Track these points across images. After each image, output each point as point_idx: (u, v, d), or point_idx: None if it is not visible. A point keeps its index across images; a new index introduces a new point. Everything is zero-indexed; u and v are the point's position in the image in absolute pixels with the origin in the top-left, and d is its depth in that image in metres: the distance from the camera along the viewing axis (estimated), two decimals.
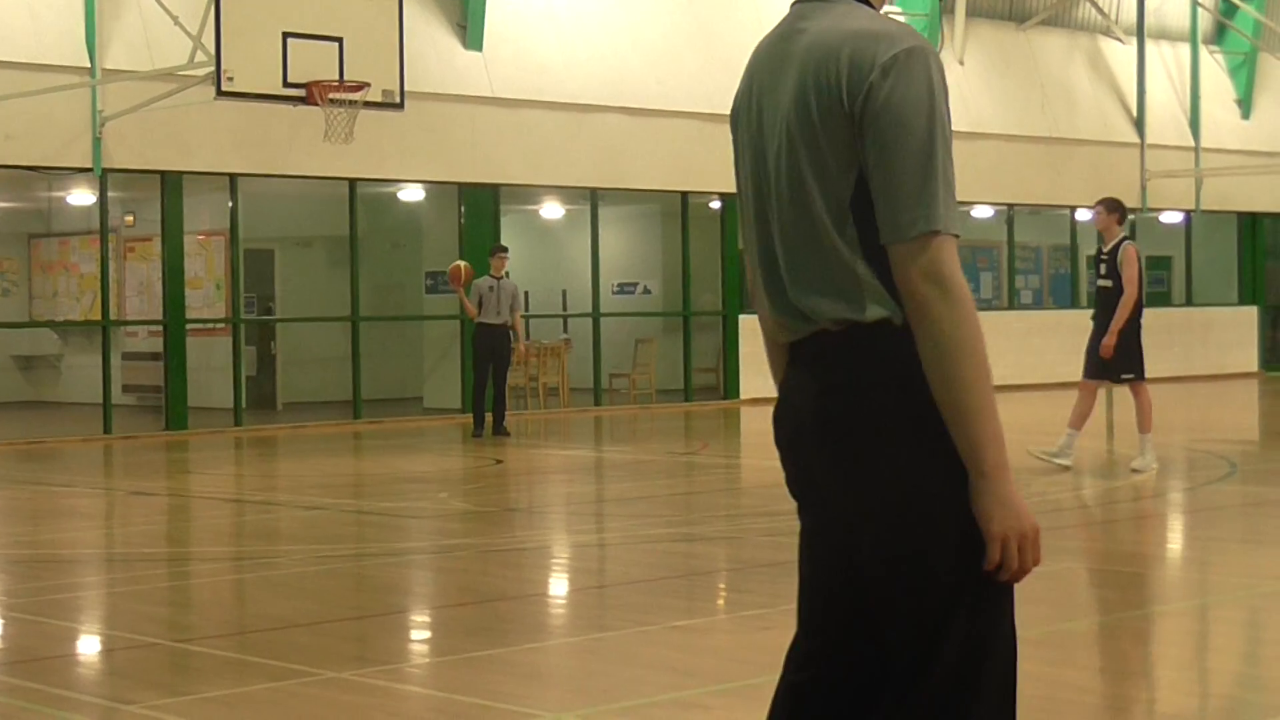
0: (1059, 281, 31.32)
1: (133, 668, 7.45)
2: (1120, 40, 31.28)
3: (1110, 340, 14.50)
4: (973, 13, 29.03)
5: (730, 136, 3.41)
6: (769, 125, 3.21)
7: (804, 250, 3.19)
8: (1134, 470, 14.73)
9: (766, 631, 7.88)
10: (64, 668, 7.52)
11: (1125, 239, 14.69)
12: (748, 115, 3.28)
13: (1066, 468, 14.81)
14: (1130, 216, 21.79)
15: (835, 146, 3.07)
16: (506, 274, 20.43)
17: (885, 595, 3.09)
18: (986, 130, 28.63)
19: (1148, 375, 14.86)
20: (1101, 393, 15.08)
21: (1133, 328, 14.60)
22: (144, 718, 6.25)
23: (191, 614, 9.10)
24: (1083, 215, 30.23)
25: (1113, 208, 14.79)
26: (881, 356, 3.11)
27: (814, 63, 3.11)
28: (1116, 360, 14.59)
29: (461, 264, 20.36)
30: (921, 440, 3.06)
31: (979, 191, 28.96)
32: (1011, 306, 30.06)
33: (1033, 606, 8.59)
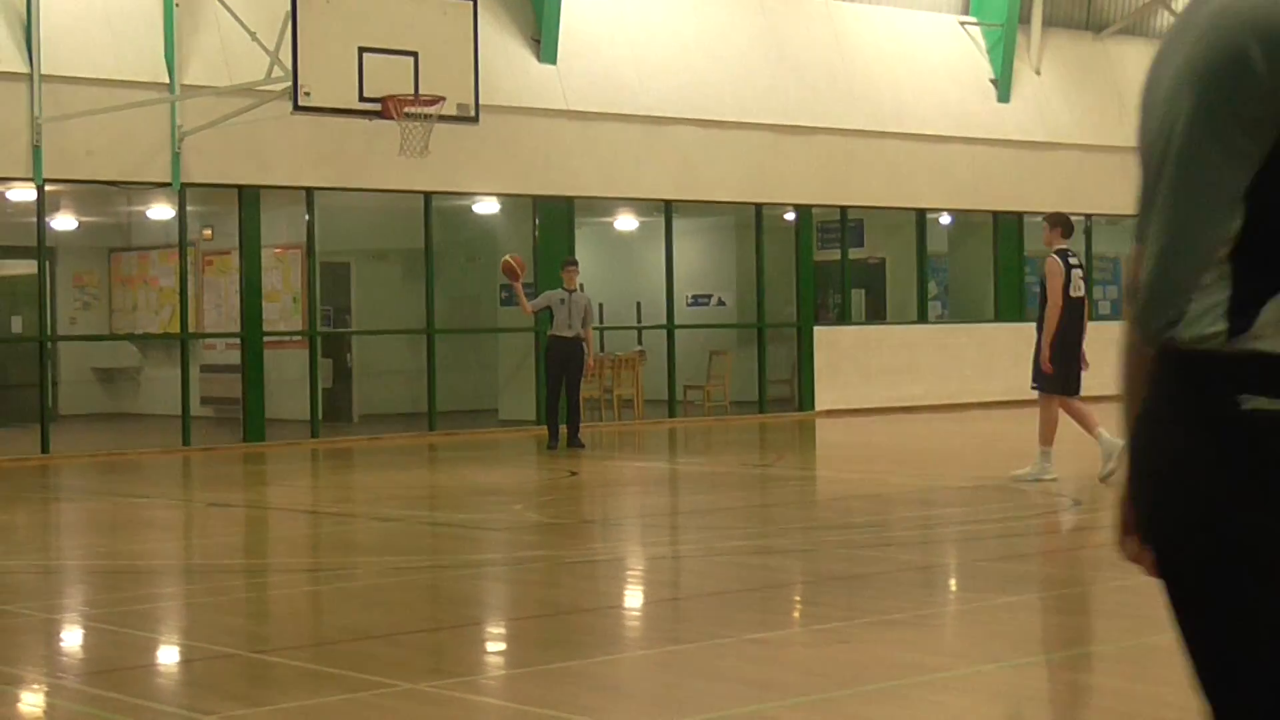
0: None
1: (211, 678, 7.49)
2: None
3: (1045, 353, 14.74)
4: (1049, 23, 28.86)
5: None
6: (1161, 101, 2.81)
7: (1179, 243, 2.73)
8: (1015, 477, 14.93)
9: (842, 645, 7.84)
10: (143, 678, 7.58)
11: (1056, 251, 14.90)
12: (1147, 92, 2.89)
13: (1055, 479, 14.86)
14: None
15: (1235, 129, 2.60)
16: (581, 287, 20.45)
17: None
18: (1064, 140, 28.44)
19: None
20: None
21: (1062, 340, 14.76)
22: None
23: (269, 625, 9.15)
24: None
25: (1054, 222, 15.12)
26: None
27: (1222, 30, 2.64)
28: (1036, 371, 14.93)
29: (509, 258, 20.30)
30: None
31: (1056, 202, 28.72)
32: (1091, 318, 29.76)
33: (1113, 621, 8.52)
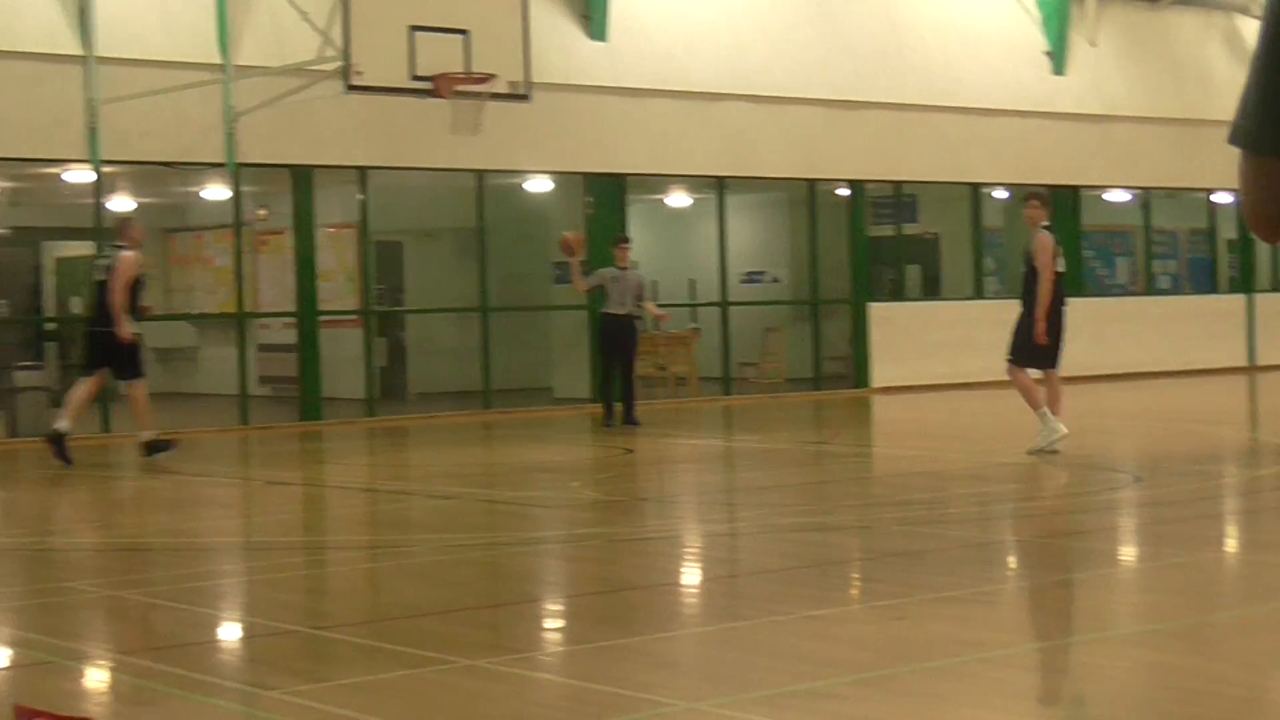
0: (1197, 266, 30.82)
1: (272, 654, 7.53)
2: (1258, 18, 30.73)
3: (1040, 327, 15.07)
4: None
5: None
6: None
7: None
8: (1031, 451, 15.00)
9: (900, 622, 7.82)
10: (205, 653, 7.63)
11: (1044, 227, 15.31)
12: None
13: (1064, 437, 14.98)
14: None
15: None
16: (635, 264, 20.44)
17: None
18: (1121, 113, 28.22)
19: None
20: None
21: (1053, 314, 15.12)
22: (283, 703, 6.32)
23: (328, 601, 9.19)
24: (1221, 198, 29.75)
25: (1044, 200, 15.69)
26: None
27: None
28: (1014, 344, 15.30)
29: (567, 234, 20.35)
30: None
31: (1113, 175, 28.58)
32: (1149, 292, 29.63)
33: (1172, 597, 8.46)
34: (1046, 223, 15.51)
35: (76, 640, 7.99)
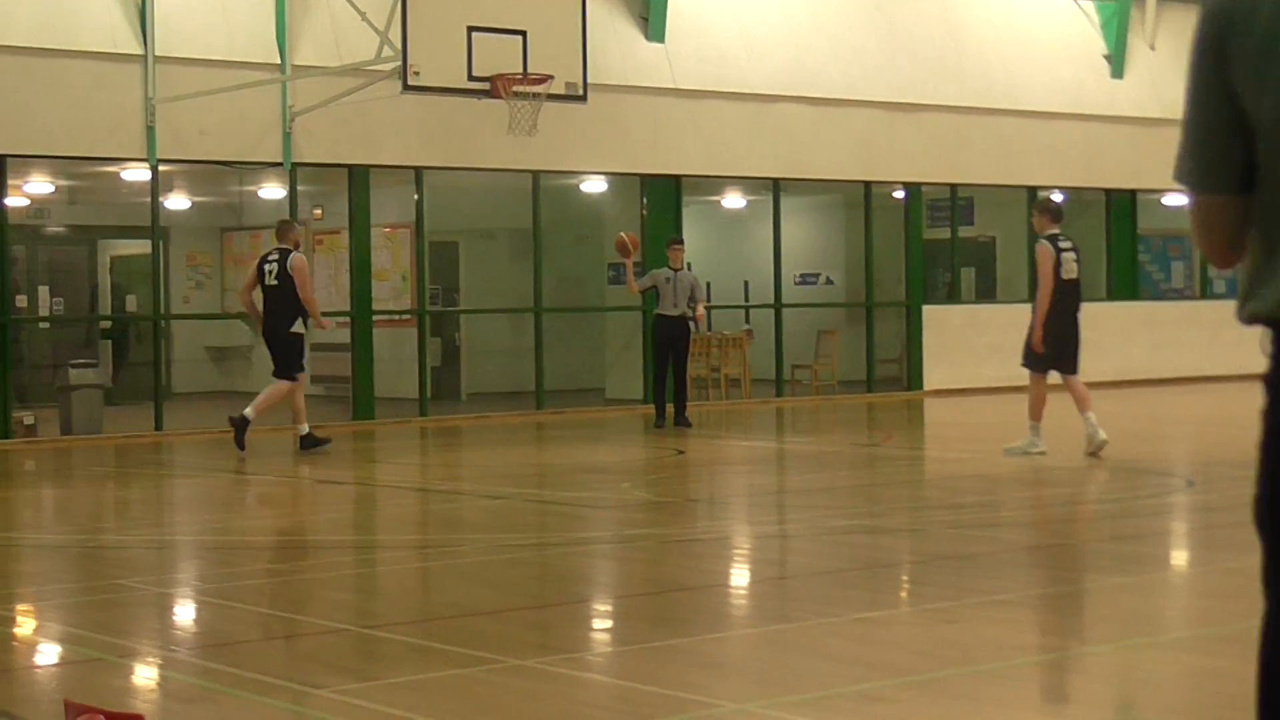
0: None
1: (322, 652, 7.56)
2: None
3: (1037, 335, 15.43)
4: None
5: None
6: None
7: None
8: (1007, 451, 15.56)
9: (950, 625, 7.79)
10: (255, 652, 7.66)
11: (1046, 236, 15.68)
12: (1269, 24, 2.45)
13: (1043, 453, 15.44)
14: None
15: None
16: (688, 265, 20.42)
17: None
18: (1178, 116, 27.83)
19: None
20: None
21: (1052, 320, 15.40)
22: (333, 702, 6.34)
23: (378, 601, 9.22)
24: None
25: (1045, 209, 16.06)
26: None
27: None
28: (1026, 350, 15.64)
29: (624, 235, 20.36)
30: None
31: (1171, 179, 28.34)
32: (1204, 296, 29.43)
33: (1224, 602, 8.40)
34: (1054, 231, 15.82)
35: (127, 637, 8.04)
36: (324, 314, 24.72)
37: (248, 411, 17.32)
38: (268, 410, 17.60)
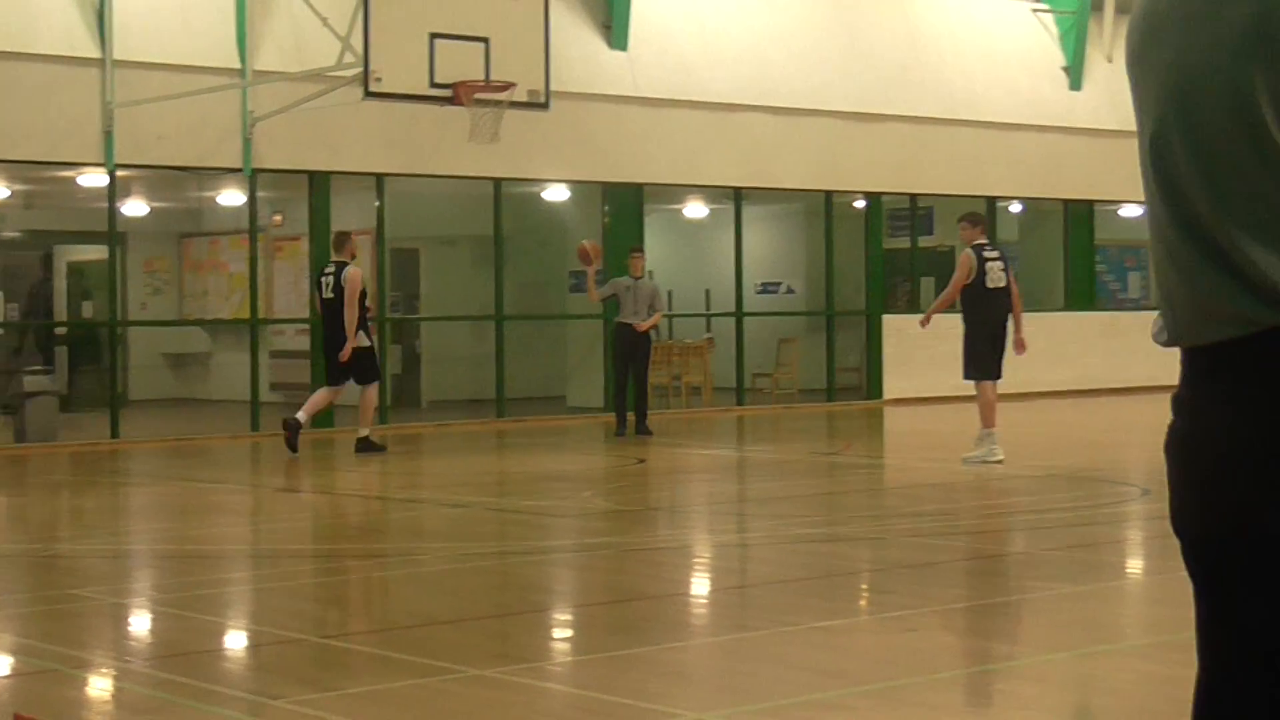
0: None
1: (279, 662, 7.52)
2: None
3: (924, 316, 16.55)
4: (1122, 9, 28.58)
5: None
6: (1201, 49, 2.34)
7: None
8: (965, 460, 15.73)
9: (909, 633, 7.80)
10: (212, 662, 7.62)
11: (973, 246, 16.11)
12: (1157, 40, 2.41)
13: (1001, 460, 15.66)
14: None
15: None
16: (650, 274, 20.42)
17: None
18: (1135, 128, 28.13)
19: None
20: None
21: (974, 330, 16.03)
22: (291, 712, 6.31)
23: (337, 610, 9.18)
24: None
25: (974, 221, 16.48)
26: None
27: None
28: (968, 364, 16.20)
29: (586, 243, 20.34)
30: None
31: (1128, 190, 28.50)
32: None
33: (1179, 610, 8.43)
34: (981, 241, 16.21)
35: (81, 648, 7.99)
36: (284, 321, 24.73)
37: (363, 431, 18.18)
38: (368, 417, 18.32)
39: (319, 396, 18.27)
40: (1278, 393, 2.29)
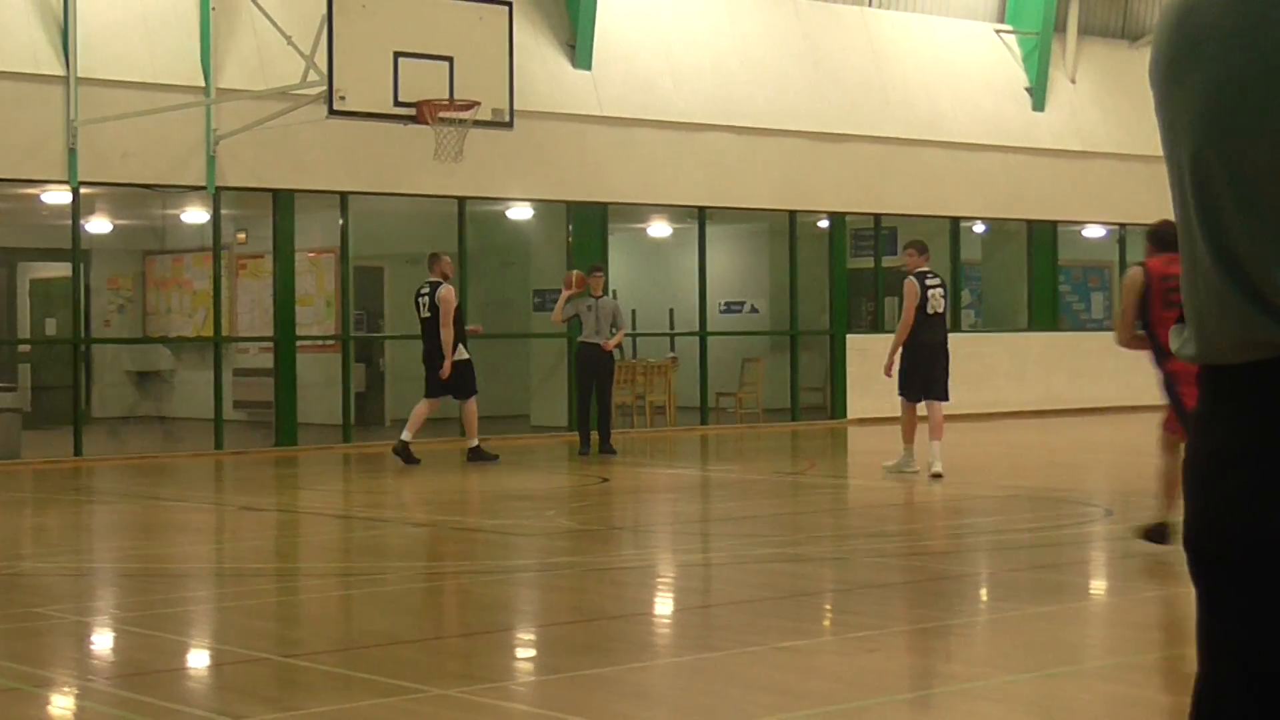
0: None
1: (241, 682, 7.50)
2: None
3: (887, 361, 16.62)
4: (1085, 31, 28.77)
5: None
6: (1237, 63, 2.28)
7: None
8: (886, 468, 16.60)
9: (873, 654, 7.82)
10: (174, 681, 7.59)
11: (915, 273, 16.73)
12: (1197, 55, 2.33)
13: (916, 472, 16.31)
14: None
15: None
16: (613, 293, 20.44)
17: None
18: (1099, 149, 28.34)
19: None
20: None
21: (909, 351, 16.49)
22: None
23: (300, 629, 9.16)
24: None
25: (920, 249, 17.03)
26: None
27: None
28: (902, 382, 16.69)
29: (574, 273, 20.42)
30: None
31: (1091, 210, 28.68)
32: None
33: (1142, 631, 8.47)
34: (924, 269, 16.80)
35: (43, 666, 7.95)
36: (248, 339, 24.66)
37: (472, 442, 19.17)
38: (473, 428, 19.25)
39: (420, 410, 18.96)
40: None
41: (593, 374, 20.04)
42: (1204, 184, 2.37)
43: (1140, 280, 10.48)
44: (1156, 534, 10.59)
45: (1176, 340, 2.47)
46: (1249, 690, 2.37)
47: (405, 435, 18.90)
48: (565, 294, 20.10)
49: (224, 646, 8.44)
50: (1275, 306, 2.26)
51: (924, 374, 16.52)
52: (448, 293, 18.78)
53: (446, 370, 18.65)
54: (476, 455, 19.07)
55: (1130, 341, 10.66)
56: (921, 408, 16.60)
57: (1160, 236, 10.58)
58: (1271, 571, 2.32)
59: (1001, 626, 8.95)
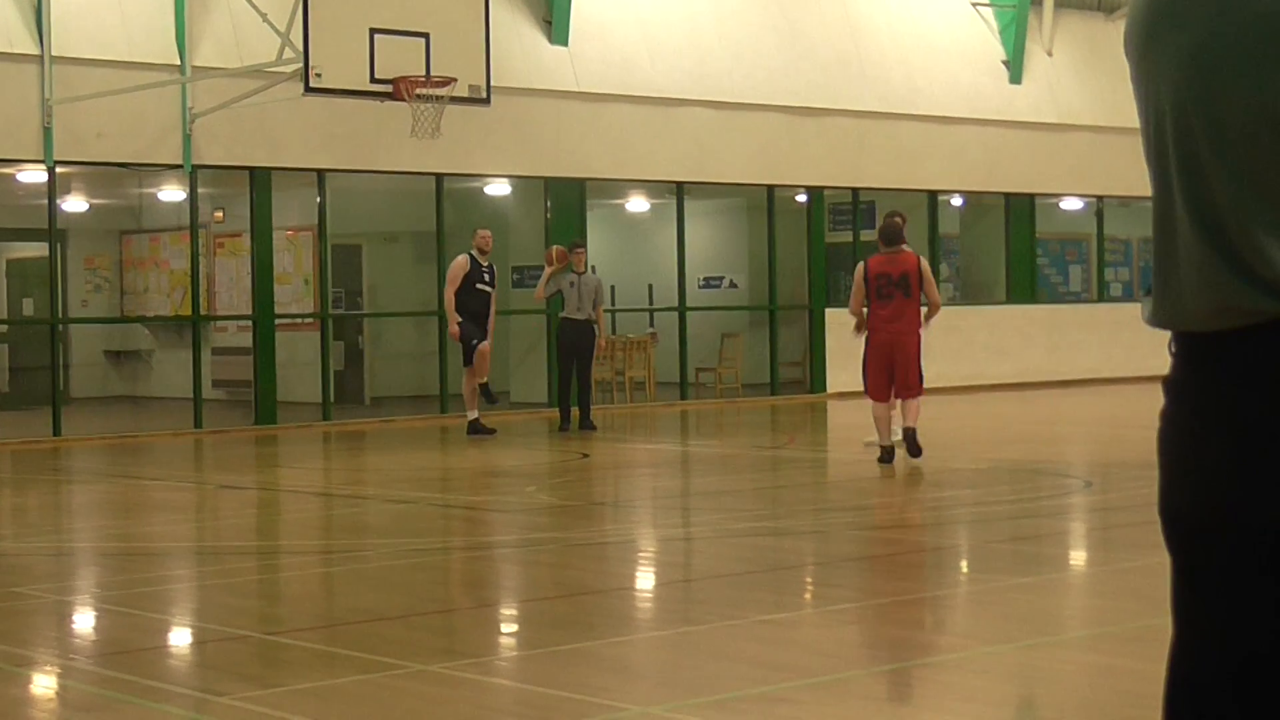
0: (1149, 274, 30.92)
1: (223, 660, 7.51)
2: None
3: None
4: (1061, 4, 28.78)
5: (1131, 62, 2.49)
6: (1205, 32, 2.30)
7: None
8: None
9: (853, 625, 7.85)
10: (155, 659, 7.59)
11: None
12: (1175, 21, 2.34)
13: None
14: None
15: None
16: (593, 269, 20.43)
17: None
18: (1075, 121, 28.36)
19: None
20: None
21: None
22: (235, 709, 6.30)
23: (281, 607, 9.16)
24: None
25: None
26: None
27: None
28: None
29: (555, 249, 20.41)
30: None
31: (1068, 183, 28.72)
32: (1101, 299, 29.79)
33: (1122, 601, 8.51)
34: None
35: (24, 646, 7.94)
36: (226, 318, 24.65)
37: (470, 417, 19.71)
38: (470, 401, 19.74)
39: (466, 384, 19.68)
40: (1277, 383, 2.27)
41: (574, 350, 20.05)
42: (1183, 150, 2.37)
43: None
44: None
45: (1143, 310, 2.46)
46: (1224, 661, 2.38)
47: (470, 414, 19.58)
48: (548, 270, 20.10)
49: (205, 624, 8.44)
50: (1256, 273, 2.26)
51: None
52: (456, 262, 19.71)
53: (454, 332, 19.47)
54: (475, 429, 19.55)
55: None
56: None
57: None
58: (1248, 544, 2.33)
59: (981, 598, 8.98)
